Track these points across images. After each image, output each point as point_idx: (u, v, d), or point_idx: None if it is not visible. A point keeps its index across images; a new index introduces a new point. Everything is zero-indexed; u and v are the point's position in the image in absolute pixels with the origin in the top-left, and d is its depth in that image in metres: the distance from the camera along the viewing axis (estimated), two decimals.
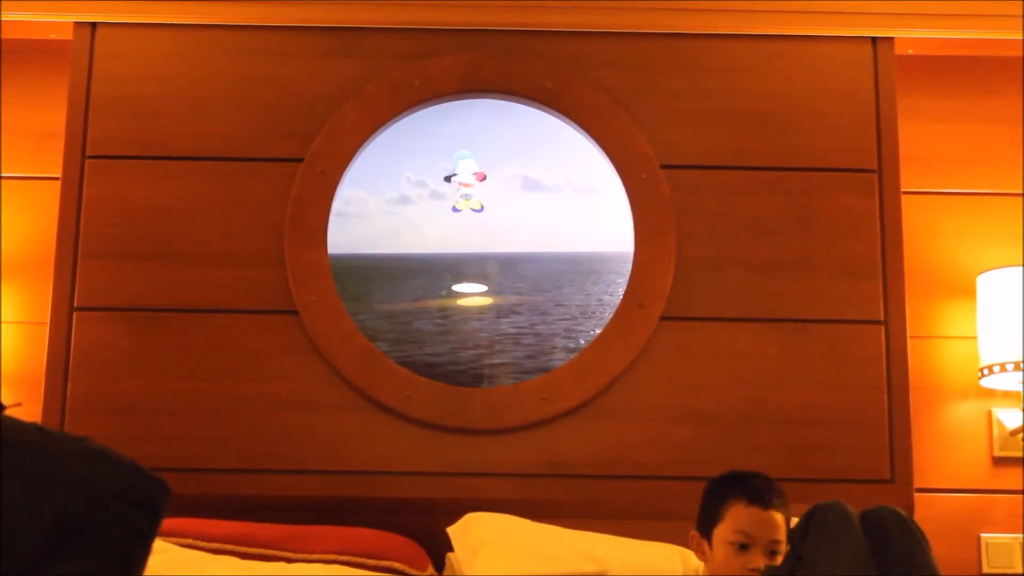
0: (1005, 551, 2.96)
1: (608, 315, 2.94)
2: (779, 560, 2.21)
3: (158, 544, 1.93)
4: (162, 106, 3.01)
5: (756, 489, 2.27)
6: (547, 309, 2.97)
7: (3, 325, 2.97)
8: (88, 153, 2.98)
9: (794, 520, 2.04)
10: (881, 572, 1.85)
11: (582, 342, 2.92)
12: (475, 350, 2.93)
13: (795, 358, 2.92)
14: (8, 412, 1.46)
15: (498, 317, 2.96)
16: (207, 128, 3.01)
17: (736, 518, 2.26)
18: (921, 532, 1.92)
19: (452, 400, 2.89)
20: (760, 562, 2.21)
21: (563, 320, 2.96)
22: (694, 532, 2.35)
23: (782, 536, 2.25)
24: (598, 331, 2.92)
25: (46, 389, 2.85)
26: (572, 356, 2.91)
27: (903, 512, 1.94)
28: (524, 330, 2.95)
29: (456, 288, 3.00)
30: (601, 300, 2.96)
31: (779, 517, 2.26)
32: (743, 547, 2.24)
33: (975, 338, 3.00)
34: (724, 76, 3.07)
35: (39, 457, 1.40)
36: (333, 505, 2.80)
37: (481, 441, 2.88)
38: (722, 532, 2.27)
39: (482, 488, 2.83)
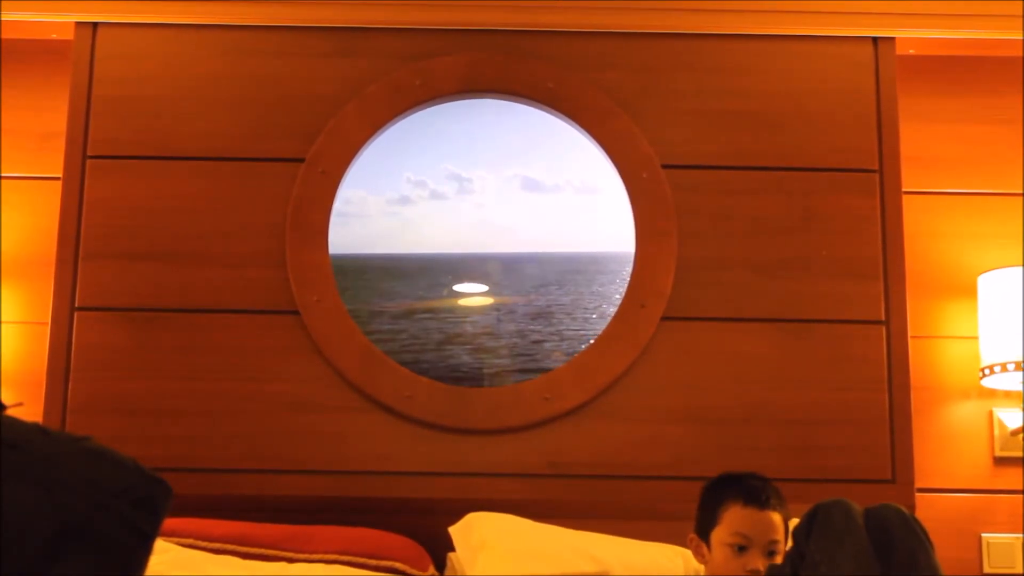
0: (1006, 551, 2.96)
1: (609, 315, 2.94)
2: (778, 560, 2.20)
3: (159, 544, 1.93)
4: (163, 106, 3.01)
5: (752, 490, 2.27)
6: (547, 309, 2.97)
7: (4, 325, 2.97)
8: (89, 153, 2.98)
9: (795, 520, 2.04)
10: (884, 571, 1.85)
11: (582, 343, 2.92)
12: (475, 350, 2.93)
13: (796, 358, 2.92)
14: (9, 412, 1.46)
15: (498, 317, 2.96)
16: (208, 128, 3.01)
17: (733, 520, 2.25)
18: (924, 531, 1.92)
19: (452, 400, 2.89)
20: (759, 563, 2.21)
21: (563, 320, 2.95)
22: (692, 535, 2.35)
23: (780, 536, 2.24)
24: (599, 331, 2.92)
25: (47, 389, 2.85)
26: (572, 356, 2.91)
27: (907, 511, 1.94)
28: (524, 329, 2.95)
29: (456, 288, 3.00)
30: (601, 300, 2.96)
31: (776, 517, 2.25)
32: (741, 549, 2.23)
33: (976, 338, 3.00)
34: (725, 76, 3.07)
35: (40, 457, 1.40)
36: (334, 505, 2.80)
37: (482, 441, 2.88)
38: (720, 534, 2.26)
39: (483, 488, 2.83)
